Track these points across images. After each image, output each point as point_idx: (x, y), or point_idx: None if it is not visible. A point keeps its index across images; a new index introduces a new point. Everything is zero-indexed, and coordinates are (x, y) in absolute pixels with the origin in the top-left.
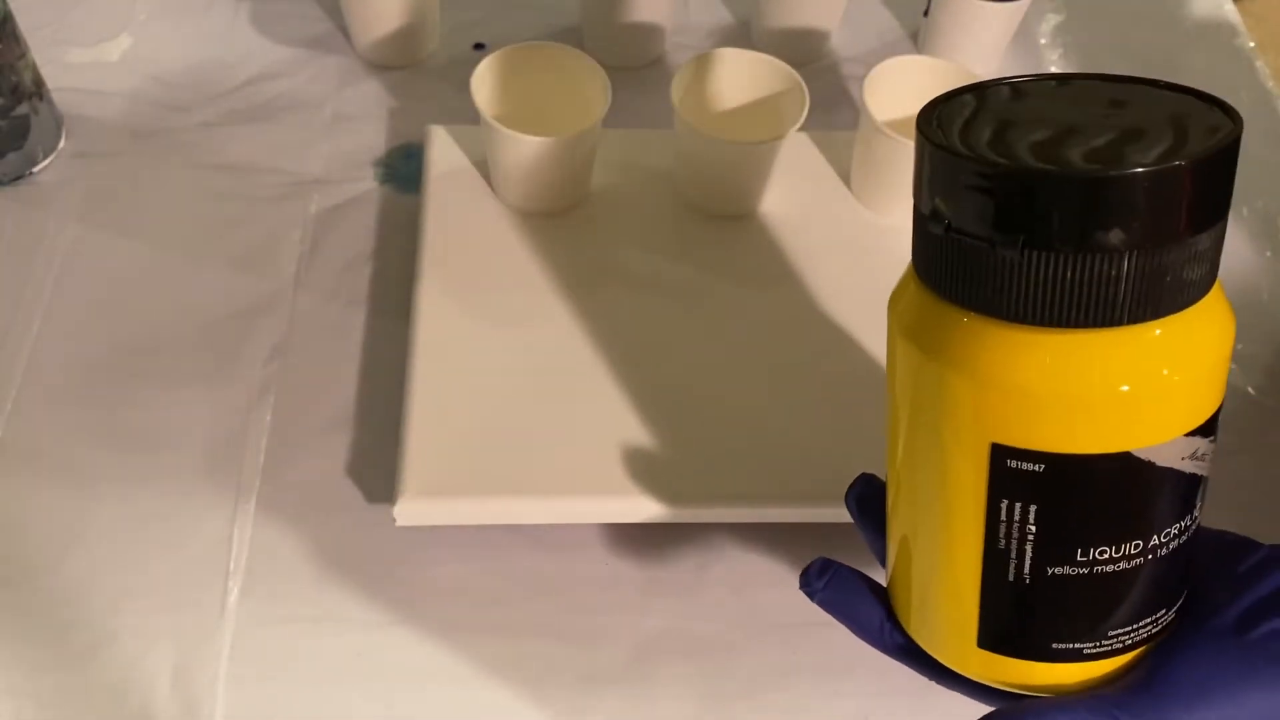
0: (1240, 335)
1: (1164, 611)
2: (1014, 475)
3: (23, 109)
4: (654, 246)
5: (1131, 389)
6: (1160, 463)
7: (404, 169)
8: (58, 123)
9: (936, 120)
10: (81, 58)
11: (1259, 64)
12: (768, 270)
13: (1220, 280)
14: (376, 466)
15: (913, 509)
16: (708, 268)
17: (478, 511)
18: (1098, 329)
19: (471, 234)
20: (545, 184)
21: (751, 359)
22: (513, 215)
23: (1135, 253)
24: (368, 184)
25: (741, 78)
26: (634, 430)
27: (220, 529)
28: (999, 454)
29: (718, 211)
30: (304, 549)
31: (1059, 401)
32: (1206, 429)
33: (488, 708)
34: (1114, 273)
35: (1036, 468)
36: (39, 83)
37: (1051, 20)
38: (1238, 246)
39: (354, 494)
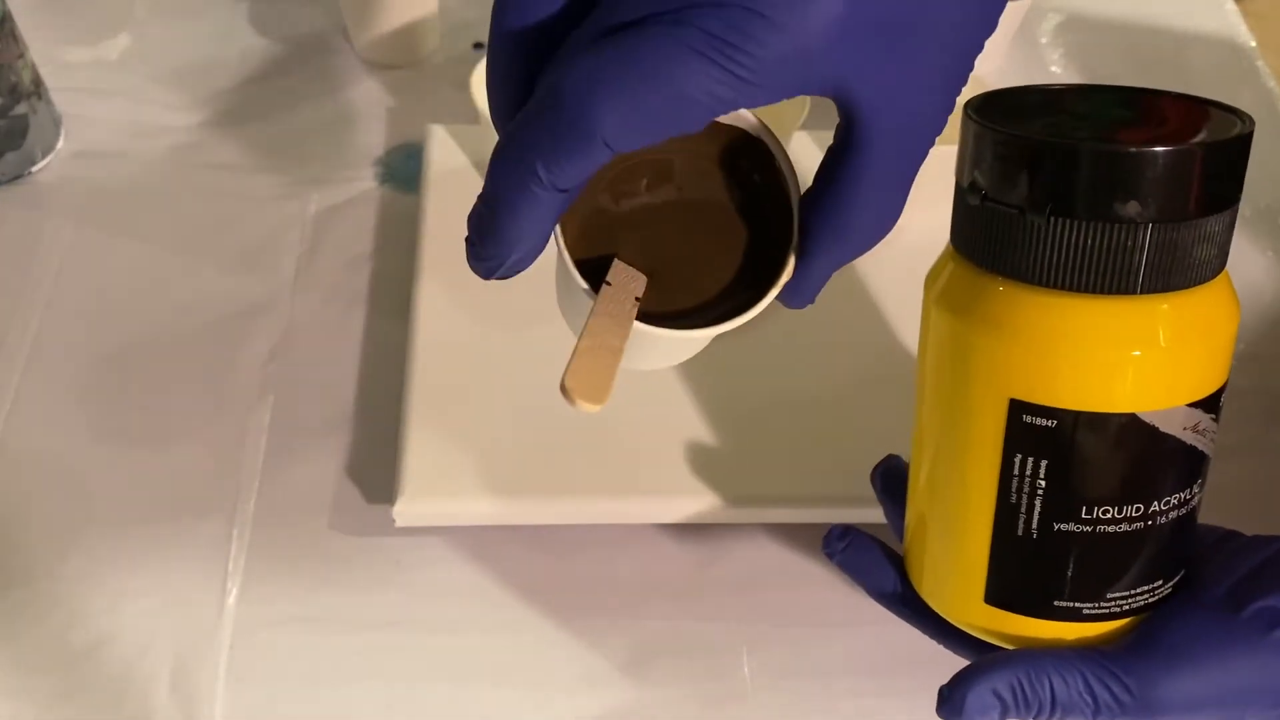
0: (1241, 335)
1: (1161, 583)
2: (1029, 430)
3: (21, 108)
4: None
5: (1141, 354)
6: (1163, 428)
7: (404, 169)
8: (56, 122)
9: (979, 107)
10: (80, 57)
11: (1260, 64)
12: None
13: (1228, 273)
14: (376, 466)
15: (934, 471)
16: None
17: (477, 512)
18: (1115, 296)
19: None
20: None
21: (751, 359)
22: None
23: (1151, 226)
24: (367, 184)
25: None
26: (633, 431)
27: (219, 529)
28: (1016, 409)
29: None
30: (303, 549)
31: (1074, 361)
32: (1209, 405)
33: (487, 708)
34: (1131, 243)
35: (1049, 423)
36: (38, 82)
37: (1052, 20)
38: (1239, 246)
39: (354, 494)
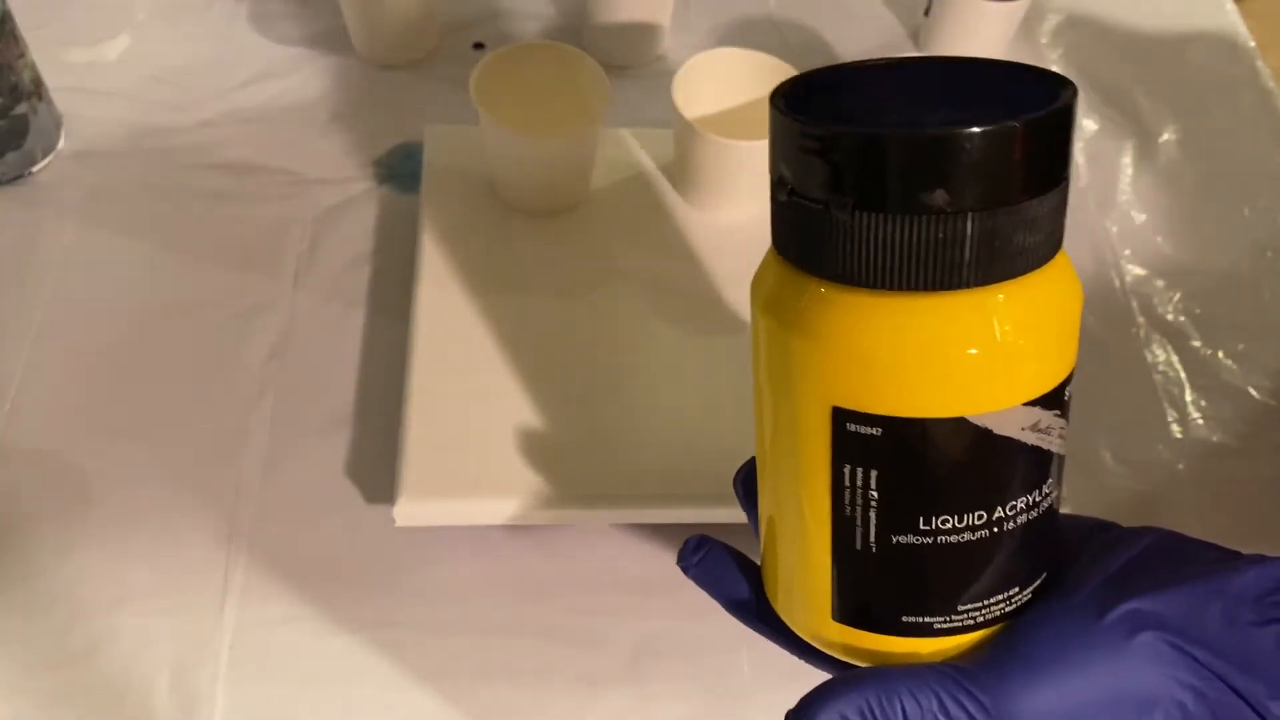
0: (1241, 335)
1: (1018, 590)
2: (854, 439)
3: (21, 108)
4: (654, 246)
5: (965, 353)
6: (999, 431)
7: (403, 169)
8: (56, 122)
9: (787, 95)
10: (81, 57)
11: (1259, 64)
12: None
13: (1065, 251)
14: (376, 466)
15: (775, 484)
16: (710, 267)
17: (477, 512)
18: (931, 292)
19: (470, 234)
20: (544, 184)
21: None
22: (511, 215)
23: (966, 215)
24: (367, 184)
25: (742, 77)
26: (634, 431)
27: (220, 529)
28: (839, 417)
29: (720, 211)
30: (303, 549)
31: (891, 364)
32: (1050, 401)
33: (488, 708)
34: (944, 235)
35: (874, 431)
36: (38, 82)
37: (1051, 20)
38: (1239, 246)
39: (353, 494)
